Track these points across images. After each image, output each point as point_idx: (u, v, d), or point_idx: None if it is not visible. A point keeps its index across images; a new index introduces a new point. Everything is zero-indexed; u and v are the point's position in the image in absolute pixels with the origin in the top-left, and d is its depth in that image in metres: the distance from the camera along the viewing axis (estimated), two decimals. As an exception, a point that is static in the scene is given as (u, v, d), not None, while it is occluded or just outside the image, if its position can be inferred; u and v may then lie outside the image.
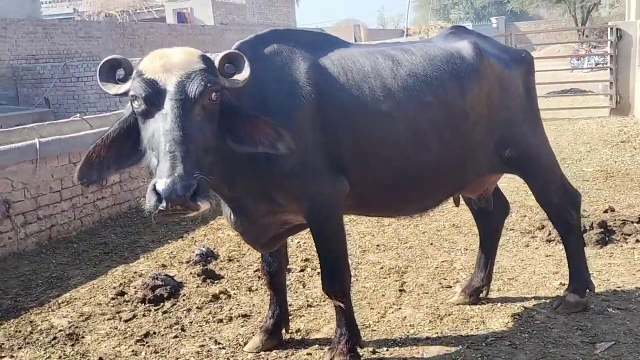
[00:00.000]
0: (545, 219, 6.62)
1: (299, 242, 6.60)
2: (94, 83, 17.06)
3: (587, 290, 4.65)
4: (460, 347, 4.21)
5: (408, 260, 5.97)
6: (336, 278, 3.86)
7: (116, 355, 4.41)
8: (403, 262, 5.95)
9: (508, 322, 4.53)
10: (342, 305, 3.93)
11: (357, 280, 5.55)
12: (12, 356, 4.49)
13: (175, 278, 5.65)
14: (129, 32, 26.00)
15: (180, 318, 4.95)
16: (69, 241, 7.31)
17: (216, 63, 3.17)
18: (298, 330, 4.60)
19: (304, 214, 3.75)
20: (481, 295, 4.92)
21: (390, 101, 3.77)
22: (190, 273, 5.86)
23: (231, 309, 5.09)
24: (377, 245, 6.49)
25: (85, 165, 3.15)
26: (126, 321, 4.97)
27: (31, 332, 4.84)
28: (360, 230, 7.01)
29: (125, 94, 3.08)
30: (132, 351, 4.46)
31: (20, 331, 4.88)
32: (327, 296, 4.02)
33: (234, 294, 5.42)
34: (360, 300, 5.09)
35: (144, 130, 3.04)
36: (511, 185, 8.30)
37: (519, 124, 4.37)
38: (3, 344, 4.67)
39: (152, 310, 5.13)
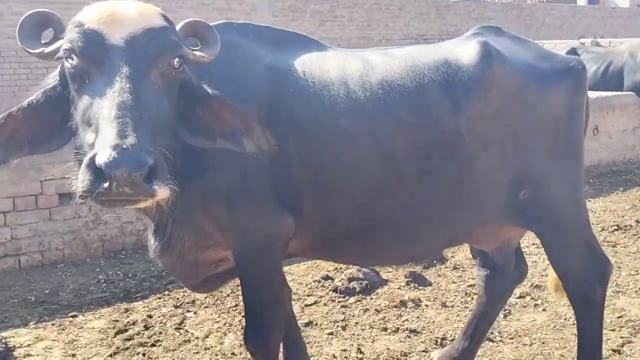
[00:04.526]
0: None
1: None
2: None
3: None
4: None
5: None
6: (259, 332, 3.09)
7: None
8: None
9: None
10: None
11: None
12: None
13: (381, 274, 5.51)
14: (525, 13, 25.38)
15: (352, 316, 4.85)
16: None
17: None
18: None
19: (232, 251, 3.05)
20: None
21: (354, 116, 2.93)
22: (403, 272, 5.64)
23: (406, 320, 4.78)
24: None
25: None
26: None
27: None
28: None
29: (54, 54, 2.41)
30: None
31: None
32: (247, 350, 3.26)
33: (425, 305, 5.05)
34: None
35: (78, 99, 2.32)
36: None
37: (545, 157, 3.20)
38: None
39: (336, 301, 5.14)
